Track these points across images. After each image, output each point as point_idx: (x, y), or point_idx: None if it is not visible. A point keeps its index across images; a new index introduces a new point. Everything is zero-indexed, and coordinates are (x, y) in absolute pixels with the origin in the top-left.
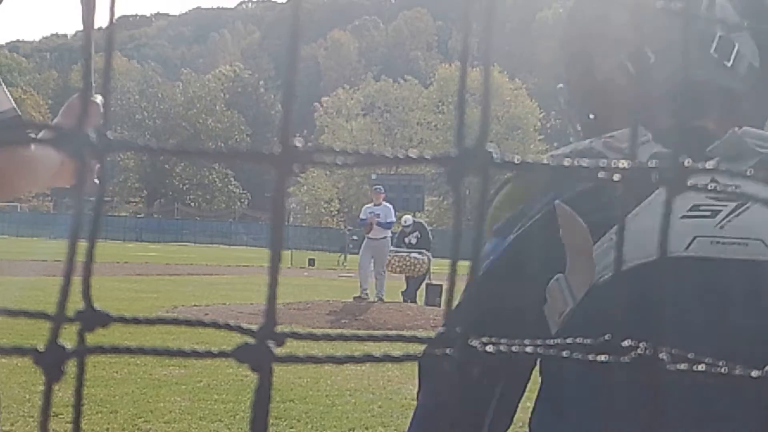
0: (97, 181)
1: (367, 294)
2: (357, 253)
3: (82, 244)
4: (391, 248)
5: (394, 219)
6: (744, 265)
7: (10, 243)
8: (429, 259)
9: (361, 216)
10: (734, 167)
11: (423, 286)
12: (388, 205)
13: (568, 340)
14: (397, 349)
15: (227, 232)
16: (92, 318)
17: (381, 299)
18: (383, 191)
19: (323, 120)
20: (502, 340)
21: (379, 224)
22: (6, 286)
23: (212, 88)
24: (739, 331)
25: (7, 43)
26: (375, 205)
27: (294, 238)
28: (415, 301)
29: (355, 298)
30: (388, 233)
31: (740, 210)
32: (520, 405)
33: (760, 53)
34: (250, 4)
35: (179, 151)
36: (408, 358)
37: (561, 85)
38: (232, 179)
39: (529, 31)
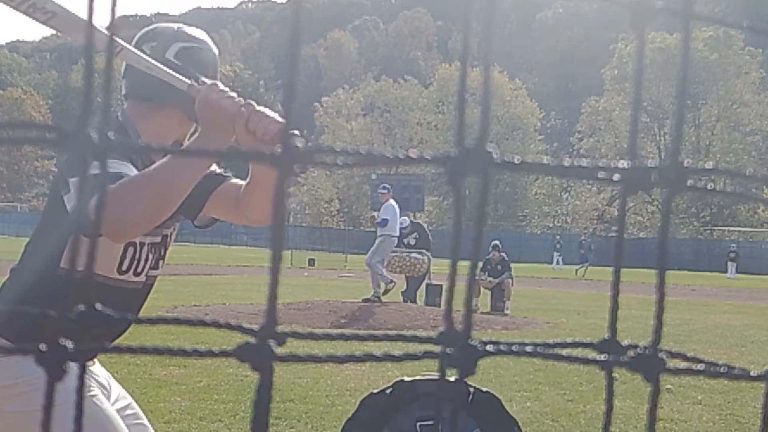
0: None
1: (378, 296)
2: (358, 253)
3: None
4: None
5: (387, 217)
6: None
7: (10, 243)
8: (429, 259)
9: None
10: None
11: (423, 286)
12: (391, 203)
13: (568, 340)
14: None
15: (227, 232)
16: (93, 318)
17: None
18: (387, 190)
19: (323, 120)
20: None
21: (377, 223)
22: None
23: None
24: None
25: (7, 43)
26: (383, 203)
27: (294, 238)
28: (415, 301)
29: (373, 298)
30: (385, 232)
31: None
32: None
33: None
34: (250, 4)
35: (179, 150)
36: (408, 357)
37: None
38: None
39: (529, 31)
